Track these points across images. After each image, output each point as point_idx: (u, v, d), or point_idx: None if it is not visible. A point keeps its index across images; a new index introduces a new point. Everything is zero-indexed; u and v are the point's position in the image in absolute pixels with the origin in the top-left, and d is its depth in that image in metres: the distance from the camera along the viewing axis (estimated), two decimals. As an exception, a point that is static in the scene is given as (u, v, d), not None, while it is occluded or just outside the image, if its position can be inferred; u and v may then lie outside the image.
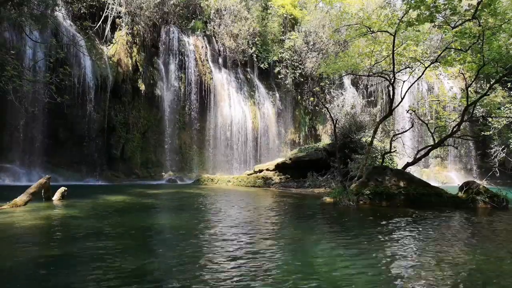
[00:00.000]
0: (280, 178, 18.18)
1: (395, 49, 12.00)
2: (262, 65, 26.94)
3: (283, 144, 27.84)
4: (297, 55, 27.51)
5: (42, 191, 9.20)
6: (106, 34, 20.79)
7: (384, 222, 7.55)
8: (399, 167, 14.50)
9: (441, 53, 12.84)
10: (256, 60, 27.02)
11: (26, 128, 17.53)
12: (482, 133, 20.34)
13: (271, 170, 19.07)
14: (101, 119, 19.74)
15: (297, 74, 27.53)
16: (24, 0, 13.97)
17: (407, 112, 15.31)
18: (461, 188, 11.15)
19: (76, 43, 17.36)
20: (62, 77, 13.19)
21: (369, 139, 14.62)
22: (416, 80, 14.39)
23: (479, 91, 20.66)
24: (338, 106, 21.35)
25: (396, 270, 4.21)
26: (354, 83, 29.92)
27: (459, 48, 12.22)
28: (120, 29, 21.31)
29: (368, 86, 29.63)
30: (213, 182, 19.04)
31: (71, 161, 18.64)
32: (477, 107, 14.84)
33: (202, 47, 24.72)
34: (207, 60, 24.75)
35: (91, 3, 20.33)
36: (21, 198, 8.50)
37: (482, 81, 23.04)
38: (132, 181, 19.99)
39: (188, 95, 23.48)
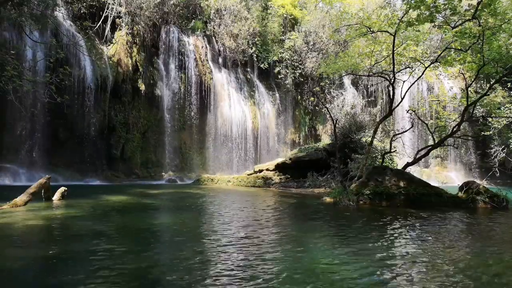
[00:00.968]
0: (280, 178, 18.18)
1: (395, 49, 11.99)
2: (262, 65, 26.95)
3: (283, 144, 27.84)
4: (297, 55, 27.51)
5: (42, 191, 9.19)
6: (106, 34, 20.80)
7: (384, 222, 7.55)
8: (399, 167, 14.50)
9: (441, 53, 12.84)
10: (256, 60, 27.03)
11: (26, 128, 17.53)
12: (482, 133, 20.34)
13: (271, 170, 19.07)
14: (101, 119, 19.75)
15: (297, 74, 27.54)
16: (24, 0, 13.97)
17: (407, 112, 15.32)
18: (461, 188, 11.15)
19: (76, 43, 17.37)
20: (62, 77, 13.19)
21: (369, 139, 14.62)
22: (416, 80, 14.38)
23: (479, 91, 20.66)
24: (338, 106, 21.36)
25: (396, 270, 4.21)
26: (354, 83, 29.92)
27: (459, 48, 12.21)
28: (120, 29, 21.31)
29: (368, 86, 29.64)
30: (213, 182, 19.03)
31: (71, 161, 18.64)
32: (477, 107, 14.84)
33: (202, 47, 24.72)
34: (207, 60, 24.75)
35: (91, 3, 20.33)
36: (21, 198, 8.50)
37: (482, 81, 23.03)
38: (132, 181, 19.99)
39: (188, 95, 23.48)
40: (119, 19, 21.22)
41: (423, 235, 6.32)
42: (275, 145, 27.09)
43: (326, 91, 27.58)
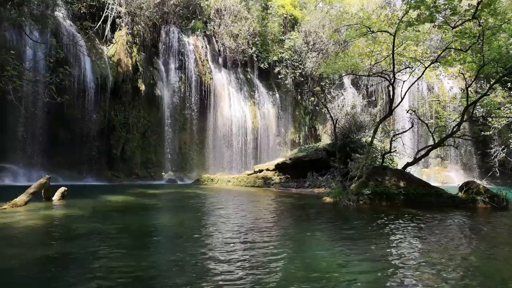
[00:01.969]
0: (280, 178, 18.18)
1: (395, 49, 11.99)
2: (262, 65, 26.95)
3: (283, 144, 27.84)
4: (297, 55, 27.52)
5: (42, 191, 9.19)
6: (106, 34, 20.80)
7: (384, 222, 7.55)
8: (399, 167, 14.50)
9: (441, 53, 12.84)
10: (256, 60, 27.03)
11: (26, 128, 17.53)
12: (482, 133, 20.33)
13: (271, 170, 19.07)
14: (101, 119, 19.75)
15: (297, 74, 27.54)
16: (24, 0, 13.97)
17: (407, 112, 15.31)
18: (461, 188, 11.15)
19: (76, 43, 17.36)
20: (62, 77, 13.17)
21: (369, 139, 14.62)
22: (416, 80, 14.39)
23: (479, 91, 20.65)
24: (338, 106, 21.32)
25: (396, 270, 4.21)
26: (354, 83, 29.94)
27: (459, 48, 12.21)
28: (120, 29, 21.32)
29: (368, 86, 29.65)
30: (213, 182, 19.04)
31: (71, 161, 18.63)
32: (477, 107, 14.82)
33: (202, 47, 24.72)
34: (207, 60, 24.76)
35: (91, 3, 20.33)
36: (21, 198, 8.50)
37: (482, 81, 23.03)
38: (132, 181, 20.00)
39: (188, 95, 23.48)
40: (119, 19, 21.22)
41: (423, 235, 6.31)
42: (275, 145, 27.10)
43: (326, 91, 27.54)
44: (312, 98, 28.22)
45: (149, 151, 22.25)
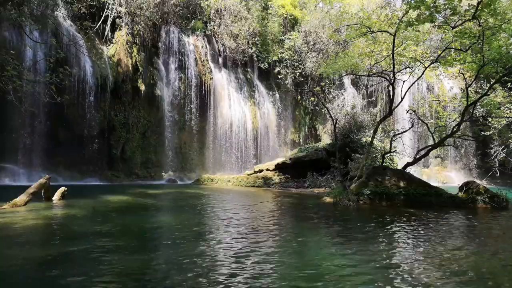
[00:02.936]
0: (280, 178, 18.18)
1: (395, 49, 11.99)
2: (262, 65, 26.96)
3: (283, 144, 27.85)
4: (297, 55, 27.52)
5: (42, 191, 9.19)
6: (106, 34, 20.80)
7: (384, 223, 7.55)
8: (399, 167, 14.50)
9: (441, 53, 12.84)
10: (256, 60, 27.03)
11: (26, 128, 17.53)
12: (482, 133, 20.33)
13: (271, 170, 19.07)
14: (101, 119, 19.75)
15: (297, 74, 27.54)
16: (24, 0, 13.97)
17: (407, 112, 15.32)
18: (461, 188, 11.14)
19: (76, 43, 17.37)
20: (62, 77, 13.18)
21: (369, 139, 14.62)
22: (416, 80, 14.39)
23: (479, 91, 20.64)
24: (338, 106, 21.34)
25: (395, 271, 4.21)
26: (354, 83, 29.94)
27: (459, 48, 12.21)
28: (120, 29, 21.32)
29: (368, 86, 29.65)
30: (213, 182, 19.04)
31: (71, 161, 18.64)
32: (477, 107, 14.82)
33: (202, 47, 24.73)
34: (207, 60, 24.76)
35: (91, 3, 20.34)
36: (21, 198, 8.50)
37: (482, 81, 23.03)
38: (132, 181, 20.00)
39: (188, 95, 23.48)
40: (119, 19, 21.23)
41: (423, 235, 6.31)
42: (275, 145, 27.10)
43: (326, 91, 27.58)
44: (312, 98, 28.22)
45: (149, 151, 22.25)
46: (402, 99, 13.46)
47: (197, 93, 23.68)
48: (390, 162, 17.47)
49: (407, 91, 13.47)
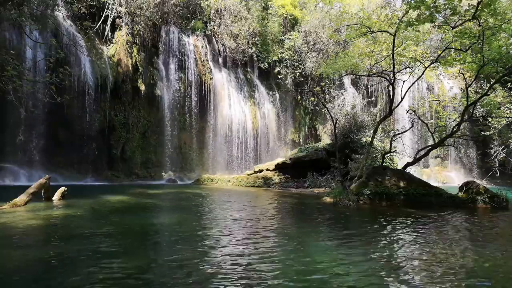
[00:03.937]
0: (280, 178, 18.18)
1: (395, 49, 11.99)
2: (262, 65, 26.95)
3: (283, 144, 27.84)
4: (297, 55, 27.52)
5: (42, 191, 9.19)
6: (106, 34, 20.80)
7: (384, 223, 7.54)
8: (399, 167, 14.50)
9: (441, 53, 12.84)
10: (256, 60, 27.03)
11: (26, 128, 17.53)
12: (482, 133, 20.32)
13: (271, 170, 19.08)
14: (101, 119, 19.75)
15: (297, 74, 27.54)
16: (24, 0, 13.97)
17: (407, 112, 15.31)
18: (461, 188, 11.15)
19: (76, 43, 17.36)
20: (62, 77, 13.17)
21: (369, 139, 14.61)
22: (416, 80, 14.38)
23: (479, 91, 20.65)
24: (338, 106, 21.34)
25: (395, 271, 4.21)
26: (354, 83, 29.93)
27: (459, 48, 12.21)
28: (120, 29, 21.32)
29: (368, 86, 29.65)
30: (213, 182, 19.04)
31: (71, 161, 18.64)
32: (477, 107, 14.83)
33: (202, 47, 24.72)
34: (207, 60, 24.76)
35: (91, 3, 20.34)
36: (21, 198, 8.50)
37: (482, 81, 23.04)
38: (132, 181, 19.99)
39: (188, 95, 23.48)
40: (119, 19, 21.22)
41: (423, 235, 6.31)
42: (275, 145, 27.09)
43: (326, 91, 27.58)
44: (312, 98, 28.21)
45: (149, 151, 22.25)
46: (402, 99, 13.46)
47: (197, 93, 23.68)
48: (390, 162, 17.46)
49: (407, 91, 13.48)
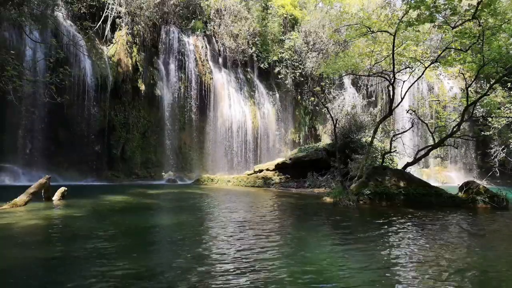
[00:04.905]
0: (280, 178, 18.18)
1: (395, 49, 11.99)
2: (262, 65, 26.95)
3: (283, 144, 27.84)
4: (297, 55, 27.52)
5: (42, 191, 9.19)
6: (106, 34, 20.80)
7: (384, 223, 7.54)
8: (399, 167, 14.49)
9: (441, 53, 12.84)
10: (256, 60, 27.03)
11: (26, 128, 17.53)
12: (482, 133, 20.32)
13: (271, 170, 19.07)
14: (101, 119, 19.75)
15: (297, 74, 27.54)
16: (24, 0, 13.96)
17: (407, 112, 15.31)
18: (461, 188, 11.15)
19: (76, 43, 17.36)
20: (62, 77, 13.17)
21: (369, 139, 14.61)
22: (416, 80, 14.38)
23: (479, 91, 20.64)
24: (338, 106, 21.34)
25: (395, 271, 4.21)
26: (354, 83, 29.93)
27: (459, 48, 12.21)
28: (120, 29, 21.31)
29: (368, 86, 29.65)
30: (213, 182, 19.04)
31: (71, 161, 18.63)
32: (477, 107, 14.82)
33: (202, 47, 24.72)
34: (207, 60, 24.76)
35: (91, 3, 20.33)
36: (21, 198, 8.50)
37: (482, 81, 23.03)
38: (132, 181, 19.99)
39: (188, 95, 23.48)
40: (119, 19, 21.22)
41: (423, 235, 6.31)
42: (275, 145, 27.09)
43: (326, 91, 27.57)
44: (312, 98, 28.21)
45: (149, 151, 22.25)
46: (402, 99, 13.46)
47: (197, 93, 23.67)
48: (390, 162, 17.45)
49: (407, 91, 13.47)
